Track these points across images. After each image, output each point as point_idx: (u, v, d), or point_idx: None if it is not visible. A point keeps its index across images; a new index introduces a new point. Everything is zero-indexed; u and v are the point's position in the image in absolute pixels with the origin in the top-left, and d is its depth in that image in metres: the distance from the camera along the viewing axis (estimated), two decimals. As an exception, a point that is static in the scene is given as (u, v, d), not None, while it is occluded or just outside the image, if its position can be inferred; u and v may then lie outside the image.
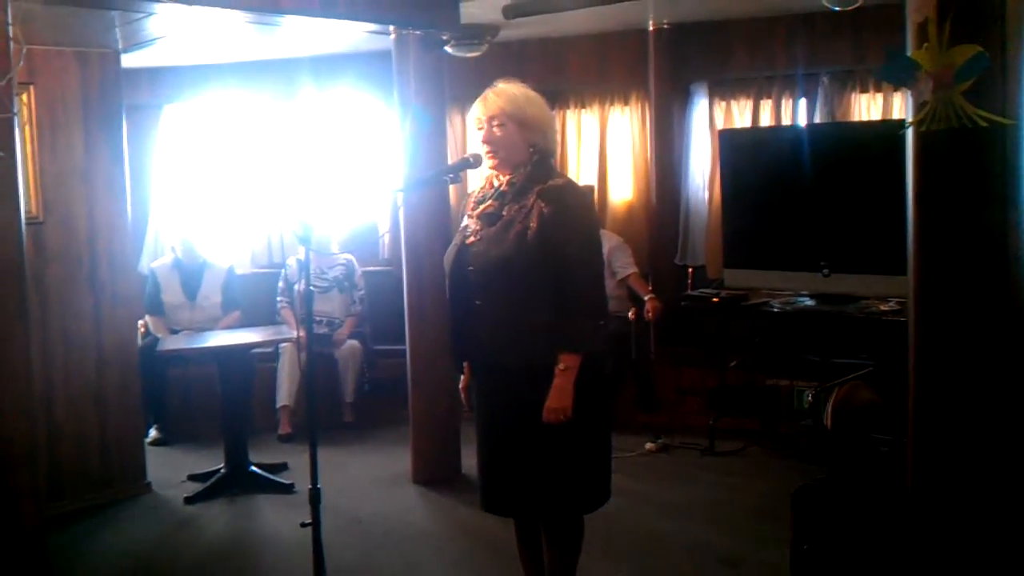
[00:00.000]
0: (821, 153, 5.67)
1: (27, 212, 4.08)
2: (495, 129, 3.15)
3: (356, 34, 5.58)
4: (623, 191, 7.30)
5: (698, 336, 6.52)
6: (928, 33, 2.94)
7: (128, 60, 5.43)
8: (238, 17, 4.74)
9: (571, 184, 3.26)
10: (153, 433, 6.34)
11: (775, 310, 5.78)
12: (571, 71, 7.15)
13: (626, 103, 7.23)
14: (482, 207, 3.21)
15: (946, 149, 2.99)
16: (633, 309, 6.47)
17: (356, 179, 7.53)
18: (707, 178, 6.89)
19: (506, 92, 3.17)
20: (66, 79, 5.04)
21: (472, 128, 3.29)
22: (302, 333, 4.64)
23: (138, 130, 7.14)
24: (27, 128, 4.81)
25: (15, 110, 3.69)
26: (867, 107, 6.48)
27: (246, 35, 5.99)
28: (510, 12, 5.76)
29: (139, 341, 6.04)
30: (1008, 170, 2.94)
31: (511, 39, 6.52)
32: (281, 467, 5.72)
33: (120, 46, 5.21)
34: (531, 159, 3.16)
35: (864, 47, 6.14)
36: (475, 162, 3.23)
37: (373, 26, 5.26)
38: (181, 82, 7.31)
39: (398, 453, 5.75)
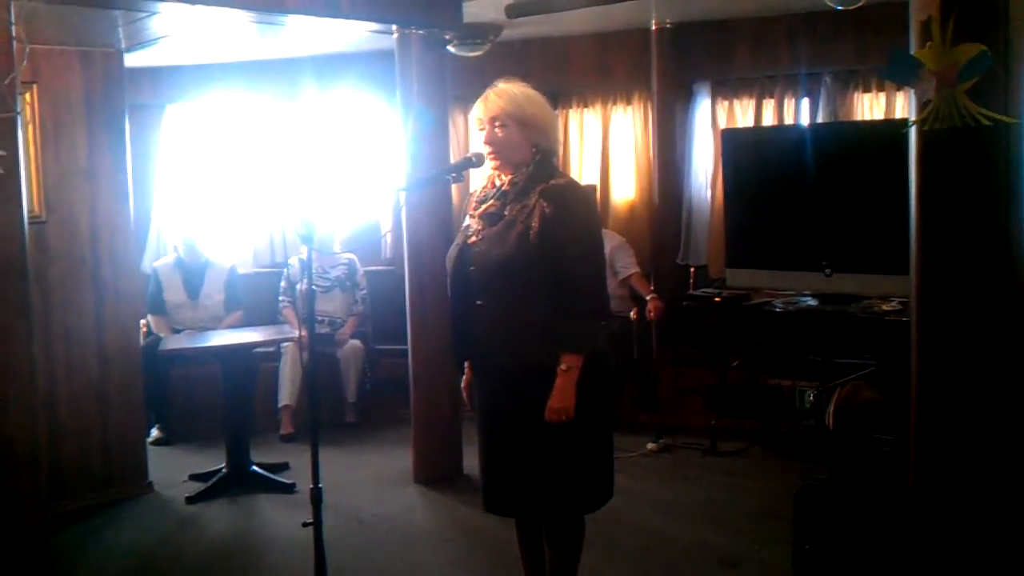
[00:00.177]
0: (824, 153, 5.66)
1: (30, 211, 4.09)
2: (497, 129, 3.15)
3: (359, 34, 5.59)
4: (625, 190, 7.30)
5: (700, 336, 6.52)
6: (931, 32, 2.94)
7: (131, 59, 5.43)
8: (241, 16, 4.74)
9: (573, 184, 3.26)
10: (155, 432, 6.34)
11: (777, 310, 5.78)
12: (573, 70, 7.15)
13: (628, 102, 7.23)
14: (484, 207, 3.21)
15: (949, 148, 2.99)
16: (635, 309, 6.46)
17: (358, 178, 7.53)
18: (709, 178, 6.89)
19: (507, 92, 3.17)
20: (69, 78, 5.04)
21: (474, 128, 3.29)
22: (304, 333, 4.65)
23: (141, 130, 7.15)
24: (30, 127, 4.81)
25: (18, 109, 3.69)
26: (870, 106, 6.48)
27: (249, 35, 6.00)
28: (512, 11, 5.76)
29: (141, 340, 6.04)
30: (1011, 169, 2.94)
31: (513, 38, 6.52)
32: (282, 467, 5.72)
33: (123, 45, 5.21)
34: (533, 159, 3.16)
35: (867, 46, 6.13)
36: (477, 162, 3.23)
37: (376, 25, 5.27)
38: (184, 82, 7.32)
39: (400, 453, 5.75)
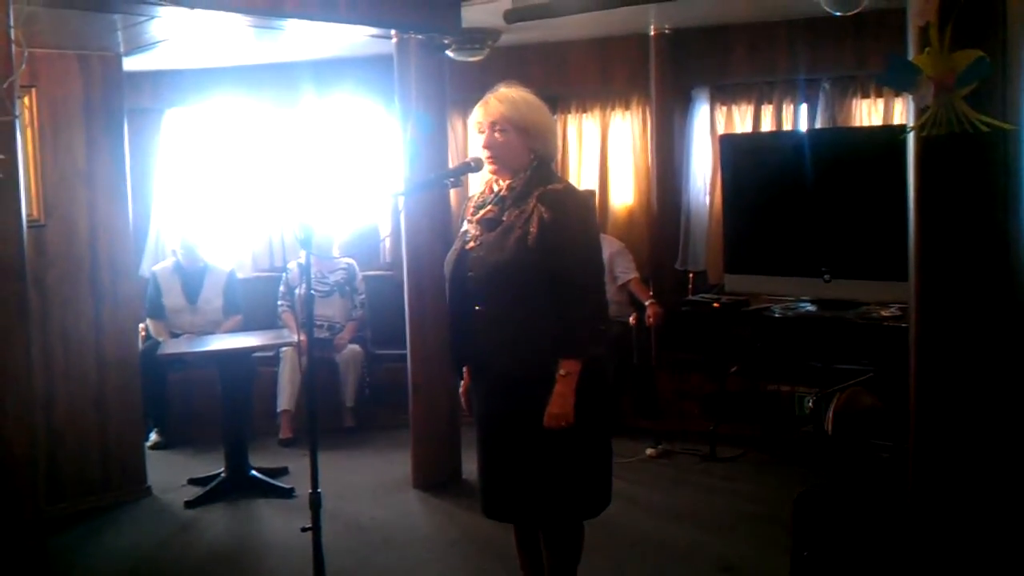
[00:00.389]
0: (822, 158, 5.67)
1: (28, 215, 4.08)
2: (496, 134, 3.15)
3: (357, 38, 5.59)
4: (624, 196, 7.30)
5: (699, 341, 6.51)
6: (930, 38, 2.95)
7: (130, 64, 5.43)
8: (240, 21, 4.74)
9: (571, 189, 3.26)
10: (153, 437, 6.34)
11: (776, 315, 5.78)
12: (572, 76, 7.15)
13: (627, 108, 7.23)
14: (482, 212, 3.21)
15: (947, 154, 2.99)
16: (634, 314, 6.46)
17: (357, 183, 7.53)
18: (708, 183, 6.89)
19: (508, 97, 3.17)
20: (68, 82, 5.04)
21: (473, 132, 3.29)
22: (303, 337, 4.63)
23: (140, 134, 7.15)
24: (28, 131, 4.81)
25: (17, 113, 3.69)
26: (868, 112, 6.48)
27: (248, 39, 6.00)
28: (511, 16, 5.77)
29: (140, 344, 6.04)
30: (1009, 175, 2.95)
31: (512, 43, 6.52)
32: (281, 471, 5.72)
33: (122, 49, 5.21)
34: (531, 164, 3.16)
35: (865, 52, 6.14)
36: (476, 166, 3.23)
37: (374, 30, 5.26)
38: (183, 86, 7.32)
39: (398, 458, 5.75)
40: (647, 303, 6.35)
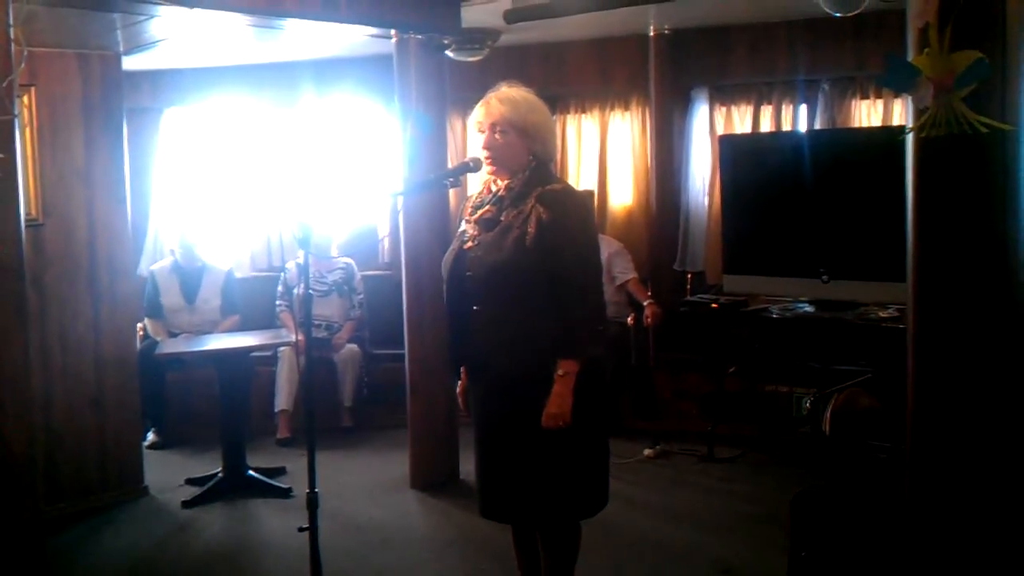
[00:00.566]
0: (821, 159, 5.67)
1: (27, 214, 4.08)
2: (497, 136, 3.15)
3: (357, 38, 5.59)
4: (623, 196, 7.30)
5: (697, 342, 6.52)
6: (929, 39, 2.95)
7: (129, 63, 5.43)
8: (240, 20, 4.74)
9: (569, 189, 3.26)
10: (151, 436, 6.33)
11: (774, 316, 5.78)
12: (572, 76, 7.16)
13: (626, 108, 7.23)
14: (480, 212, 3.21)
15: (946, 155, 2.99)
16: (632, 315, 6.47)
17: (356, 183, 7.53)
18: (707, 184, 6.90)
19: (510, 98, 3.17)
20: (67, 81, 5.04)
21: (472, 131, 3.29)
22: (301, 337, 4.62)
23: (139, 133, 7.15)
24: (27, 130, 4.81)
25: (16, 112, 3.69)
26: (868, 113, 6.49)
27: (247, 38, 6.00)
28: (511, 17, 5.77)
29: (138, 344, 6.03)
30: (1008, 176, 2.95)
31: (512, 43, 6.52)
32: (279, 471, 5.72)
33: (121, 49, 5.21)
34: (529, 165, 3.16)
35: (865, 53, 6.14)
36: (475, 166, 3.23)
37: (374, 30, 5.27)
38: (182, 85, 7.32)
39: (396, 458, 5.74)
40: (645, 303, 6.36)
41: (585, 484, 3.19)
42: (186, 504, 5.23)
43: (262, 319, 6.79)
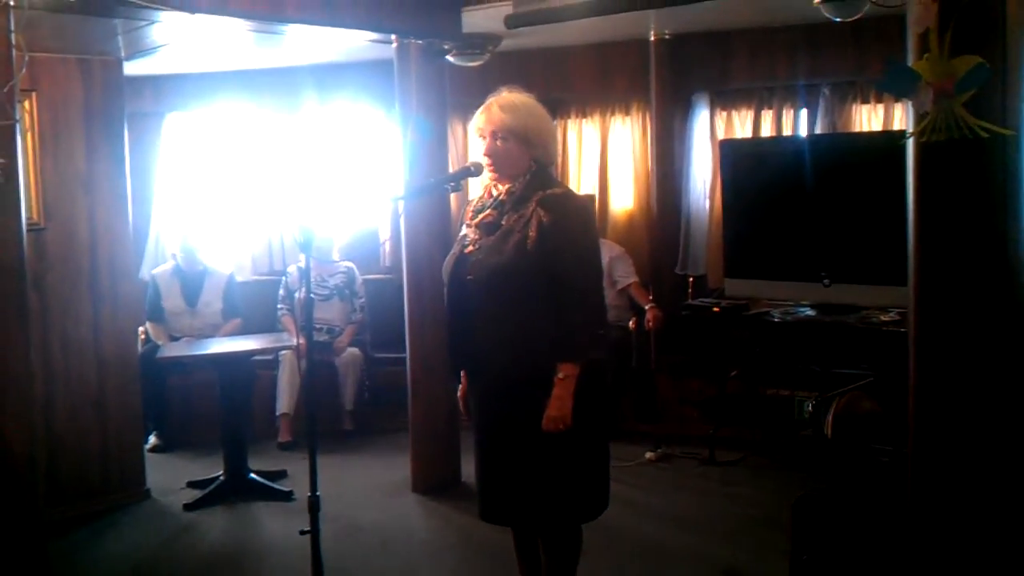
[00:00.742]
0: (822, 163, 5.67)
1: (28, 218, 4.09)
2: (497, 142, 3.15)
3: (358, 43, 5.59)
4: (624, 201, 7.31)
5: (698, 346, 6.52)
6: (929, 44, 2.95)
7: (130, 68, 5.44)
8: (240, 25, 4.75)
9: (570, 194, 3.27)
10: (153, 440, 6.34)
11: (776, 320, 5.78)
12: (573, 81, 7.16)
13: (627, 113, 7.24)
14: (481, 216, 3.21)
15: (947, 160, 3.00)
16: (634, 319, 6.47)
17: (357, 187, 7.53)
18: (708, 188, 6.90)
19: (511, 105, 3.17)
20: (68, 86, 5.05)
21: (473, 135, 3.29)
22: (302, 341, 4.64)
23: (140, 138, 7.15)
24: (29, 135, 4.82)
25: (17, 117, 3.70)
26: (868, 118, 6.49)
27: (248, 43, 6.01)
28: (512, 22, 5.77)
29: (139, 348, 6.04)
30: (1009, 180, 2.95)
31: (513, 48, 6.52)
32: (280, 475, 5.72)
33: (122, 54, 5.22)
34: (530, 170, 3.17)
35: (865, 58, 6.14)
36: (476, 171, 3.23)
37: (375, 35, 5.28)
38: (183, 90, 7.33)
39: (397, 461, 5.75)
40: (647, 307, 6.36)
41: (586, 487, 3.19)
42: (188, 507, 5.24)
43: (263, 323, 6.79)
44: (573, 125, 7.38)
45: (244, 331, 6.59)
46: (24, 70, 3.71)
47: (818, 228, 5.67)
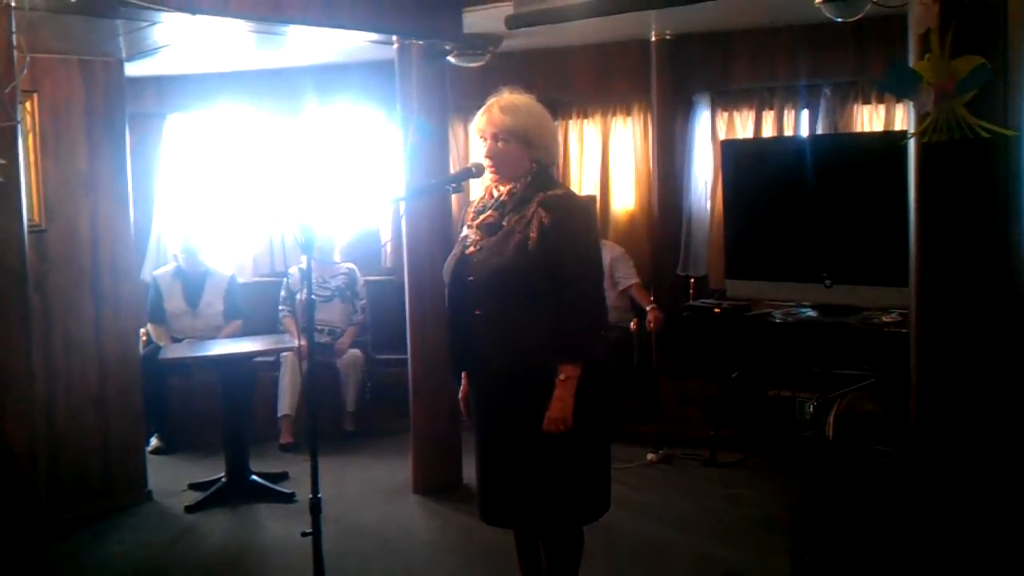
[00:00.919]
0: (823, 164, 5.67)
1: (30, 219, 4.09)
2: (499, 144, 3.15)
3: (359, 44, 5.60)
4: (625, 201, 7.31)
5: (700, 347, 6.52)
6: (930, 44, 2.95)
7: (132, 69, 5.44)
8: (242, 26, 4.75)
9: (571, 195, 3.27)
10: (154, 441, 6.33)
11: (777, 321, 5.78)
12: (574, 81, 7.16)
13: (628, 113, 7.23)
14: (482, 217, 3.21)
15: (948, 160, 3.00)
16: (635, 319, 6.46)
17: (358, 188, 7.54)
18: (709, 189, 6.89)
19: (512, 107, 3.17)
20: (70, 87, 5.05)
21: (474, 136, 3.29)
22: (303, 342, 4.64)
23: (142, 139, 7.16)
24: (30, 136, 4.82)
25: (18, 118, 3.70)
26: (869, 118, 6.48)
27: (249, 45, 6.01)
28: (513, 22, 5.76)
29: (141, 349, 6.04)
30: (1010, 181, 2.95)
31: (514, 49, 6.52)
32: (282, 476, 5.72)
33: (124, 55, 5.23)
34: (531, 170, 3.17)
35: (867, 58, 6.14)
36: (477, 172, 3.24)
37: (376, 36, 5.28)
38: (185, 91, 7.33)
39: (399, 463, 5.75)
40: (648, 308, 6.36)
41: (587, 489, 3.18)
42: (189, 509, 5.23)
43: (264, 324, 6.79)
44: (574, 126, 7.38)
45: (245, 332, 6.59)
46: (25, 71, 3.71)
47: (819, 229, 5.67)
